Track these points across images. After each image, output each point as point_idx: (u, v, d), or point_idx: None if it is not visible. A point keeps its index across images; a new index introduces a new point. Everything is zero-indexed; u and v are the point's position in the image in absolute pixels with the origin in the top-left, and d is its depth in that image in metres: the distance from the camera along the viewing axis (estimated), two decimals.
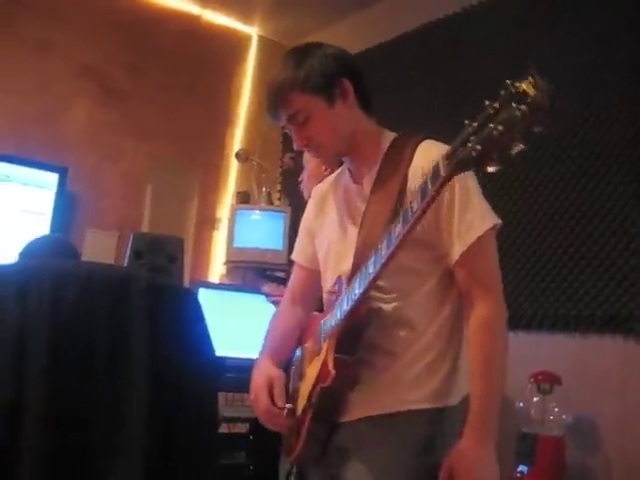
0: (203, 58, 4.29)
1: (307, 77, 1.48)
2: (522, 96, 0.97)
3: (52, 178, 3.57)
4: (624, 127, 2.58)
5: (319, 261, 1.67)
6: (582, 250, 2.60)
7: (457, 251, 1.41)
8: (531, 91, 0.97)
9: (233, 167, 4.38)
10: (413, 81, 3.46)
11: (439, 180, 1.14)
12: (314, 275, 1.70)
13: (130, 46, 4.04)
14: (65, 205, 3.63)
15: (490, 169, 1.03)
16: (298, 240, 1.80)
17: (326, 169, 2.73)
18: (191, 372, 1.69)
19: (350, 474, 1.45)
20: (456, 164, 1.08)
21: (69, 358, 1.50)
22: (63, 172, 3.60)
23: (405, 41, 3.62)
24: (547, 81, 0.97)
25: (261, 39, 4.58)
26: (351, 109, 1.53)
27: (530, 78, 0.97)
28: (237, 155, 4.09)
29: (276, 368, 1.60)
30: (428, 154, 1.40)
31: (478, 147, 1.02)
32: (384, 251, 1.30)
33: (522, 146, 0.99)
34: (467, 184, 1.42)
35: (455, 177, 1.22)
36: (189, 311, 1.76)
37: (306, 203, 2.83)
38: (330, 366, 1.42)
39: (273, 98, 1.51)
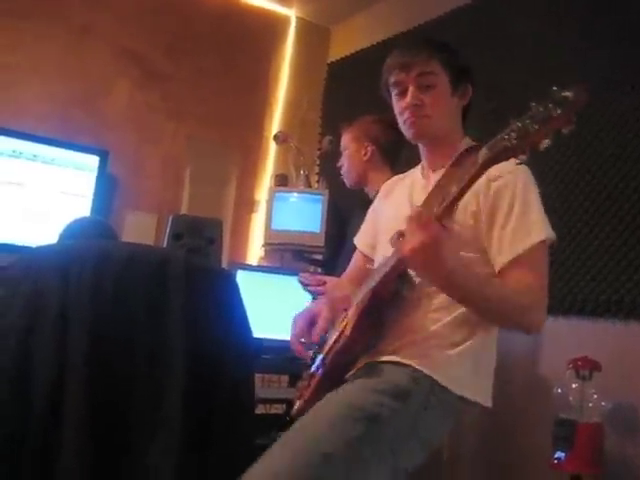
0: (242, 40, 4.30)
1: (450, 57, 1.64)
2: (562, 101, 1.11)
3: (93, 161, 3.62)
4: None
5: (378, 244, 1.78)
6: (625, 235, 2.54)
7: (505, 258, 1.49)
8: (571, 97, 1.11)
9: (271, 150, 4.39)
10: None
11: (476, 166, 1.25)
12: (368, 262, 1.82)
13: (170, 29, 4.06)
14: (106, 187, 3.68)
15: (519, 159, 1.19)
16: (362, 227, 1.92)
17: (365, 154, 2.72)
18: (228, 353, 1.71)
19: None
20: (494, 153, 1.21)
21: (109, 339, 1.53)
22: (104, 155, 3.65)
23: (444, 22, 3.56)
24: (587, 91, 1.12)
25: (299, 21, 4.55)
26: (458, 111, 1.68)
27: (574, 87, 1.11)
28: (275, 137, 4.09)
29: (328, 310, 1.66)
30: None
31: (514, 141, 1.17)
32: None
33: (549, 142, 1.14)
34: (528, 195, 1.52)
35: (517, 188, 1.51)
36: (227, 293, 1.78)
37: (347, 189, 2.86)
38: (347, 330, 1.50)
39: (415, 52, 1.62)
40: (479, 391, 1.55)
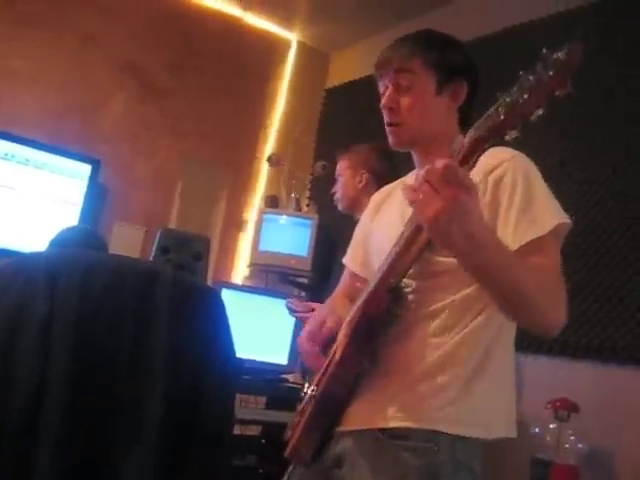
0: (242, 60, 4.33)
1: (437, 55, 1.47)
2: (553, 63, 0.97)
3: (85, 169, 3.62)
4: None
5: (370, 264, 1.62)
6: (609, 279, 2.57)
7: (512, 247, 1.26)
8: (562, 57, 0.96)
9: (263, 171, 4.41)
10: None
11: (462, 150, 1.10)
12: (359, 281, 1.66)
13: (171, 44, 4.09)
14: (95, 197, 3.67)
15: (509, 137, 1.03)
16: (351, 246, 1.76)
17: (360, 181, 2.75)
18: (211, 371, 1.70)
19: None
20: (481, 131, 1.07)
21: (92, 350, 1.51)
22: (96, 164, 3.65)
23: None
24: (580, 49, 0.96)
25: (300, 45, 4.61)
26: (449, 111, 1.50)
27: (566, 46, 0.96)
28: (269, 159, 4.11)
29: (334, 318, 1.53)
30: (494, 154, 1.32)
31: (502, 116, 1.02)
32: (406, 233, 1.26)
33: (541, 111, 0.99)
34: (531, 180, 1.34)
35: (517, 174, 1.30)
36: (213, 311, 1.77)
37: (336, 215, 2.86)
38: (338, 352, 1.38)
39: (397, 49, 1.49)
40: (505, 424, 1.40)
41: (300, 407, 1.57)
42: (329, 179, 3.06)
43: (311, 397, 1.47)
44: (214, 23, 4.24)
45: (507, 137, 1.03)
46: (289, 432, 1.56)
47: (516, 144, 1.11)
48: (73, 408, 1.46)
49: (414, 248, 1.31)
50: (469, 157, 1.10)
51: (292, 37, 4.58)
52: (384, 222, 1.60)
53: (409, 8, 3.84)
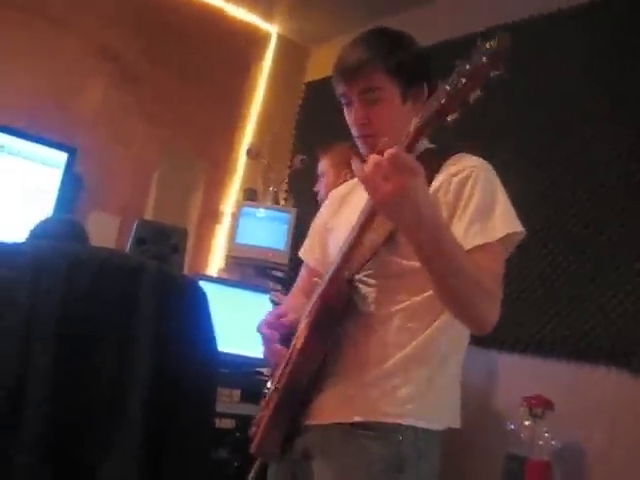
0: (222, 51, 4.30)
1: (398, 64, 1.48)
2: (486, 50, 1.06)
3: (61, 157, 3.57)
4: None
5: (327, 259, 1.63)
6: (585, 280, 2.61)
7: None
8: (494, 45, 1.06)
9: (241, 163, 4.38)
10: None
11: (407, 137, 1.17)
12: (316, 276, 1.66)
13: (150, 31, 4.04)
14: (71, 185, 3.62)
15: (450, 118, 1.10)
16: (308, 239, 1.77)
17: (343, 181, 2.74)
18: (194, 366, 1.71)
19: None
20: (424, 118, 1.14)
21: (75, 345, 1.51)
22: (72, 152, 3.59)
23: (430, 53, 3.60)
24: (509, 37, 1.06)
25: (280, 38, 4.58)
26: (413, 114, 1.48)
27: (497, 37, 1.06)
28: (248, 151, 4.09)
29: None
30: (460, 160, 1.43)
31: (443, 100, 1.09)
32: (359, 222, 1.32)
33: (479, 92, 1.07)
34: (490, 187, 1.40)
35: (479, 179, 1.37)
36: (197, 304, 1.77)
37: (316, 208, 2.84)
38: (299, 341, 1.41)
39: (356, 65, 1.49)
40: (453, 416, 1.47)
41: (264, 402, 1.57)
42: (308, 173, 3.05)
43: (274, 391, 1.49)
44: (195, 12, 4.20)
45: (449, 118, 1.10)
46: (254, 428, 1.57)
47: None
48: (54, 405, 1.45)
49: (368, 235, 1.36)
50: (414, 143, 1.18)
51: (272, 29, 4.56)
52: (345, 220, 1.61)
53: (390, 4, 3.84)
